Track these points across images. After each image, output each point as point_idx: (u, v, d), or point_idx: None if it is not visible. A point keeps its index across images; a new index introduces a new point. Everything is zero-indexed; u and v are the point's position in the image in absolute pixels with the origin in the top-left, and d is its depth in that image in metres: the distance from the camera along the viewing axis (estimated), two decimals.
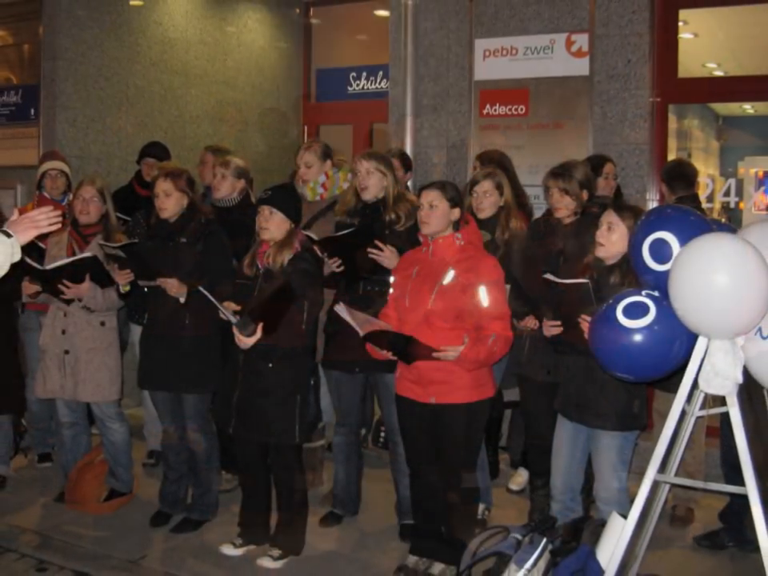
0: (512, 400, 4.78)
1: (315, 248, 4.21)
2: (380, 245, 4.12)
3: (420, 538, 4.09)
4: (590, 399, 3.61)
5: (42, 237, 3.52)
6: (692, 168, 4.98)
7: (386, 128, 6.63)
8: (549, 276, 3.61)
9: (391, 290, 4.03)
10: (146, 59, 7.14)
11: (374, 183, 4.30)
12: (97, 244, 4.55)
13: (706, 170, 8.69)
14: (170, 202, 4.39)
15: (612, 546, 3.14)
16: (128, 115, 7.00)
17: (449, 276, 3.76)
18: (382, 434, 5.61)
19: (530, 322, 4.02)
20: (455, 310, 3.73)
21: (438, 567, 3.97)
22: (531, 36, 6.02)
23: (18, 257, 3.08)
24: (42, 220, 3.12)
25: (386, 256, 4.13)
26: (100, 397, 4.67)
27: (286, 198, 4.13)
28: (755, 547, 3.01)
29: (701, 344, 3.01)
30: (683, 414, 3.18)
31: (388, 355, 3.81)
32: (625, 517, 3.15)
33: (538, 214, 4.87)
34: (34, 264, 4.39)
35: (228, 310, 3.83)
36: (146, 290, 4.45)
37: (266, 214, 4.04)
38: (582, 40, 5.87)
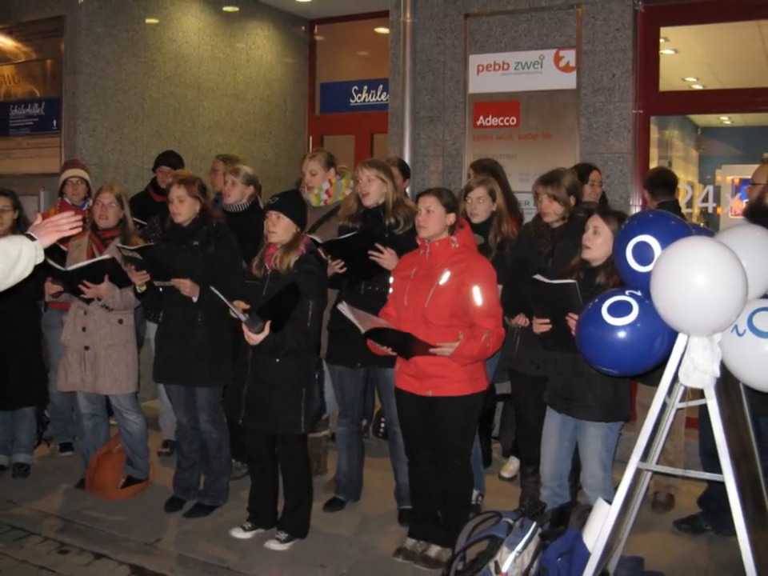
0: (504, 393, 4.78)
1: (319, 251, 4.21)
2: (380, 247, 4.12)
3: (418, 522, 4.08)
4: (576, 392, 3.61)
5: (64, 240, 3.50)
6: (672, 175, 4.97)
7: (386, 138, 6.63)
8: (538, 277, 3.60)
9: (391, 290, 4.03)
10: (161, 74, 7.13)
11: (374, 190, 4.29)
12: (115, 247, 4.55)
13: (686, 178, 8.69)
14: (183, 208, 4.39)
15: (598, 530, 3.14)
16: (144, 126, 6.98)
17: (445, 277, 3.76)
18: (382, 425, 5.62)
19: (521, 320, 4.02)
20: (451, 309, 3.73)
21: (434, 549, 3.97)
22: (522, 52, 6.01)
23: (41, 259, 3.08)
24: (64, 224, 3.12)
25: (386, 258, 4.13)
26: (118, 390, 4.66)
27: (292, 203, 4.12)
28: (731, 531, 3.01)
29: (681, 340, 3.00)
30: (664, 406, 3.18)
31: (388, 351, 3.81)
32: (609, 502, 3.14)
33: (528, 218, 4.87)
34: (56, 265, 4.38)
35: (238, 309, 3.82)
36: (161, 290, 4.44)
37: (273, 218, 4.03)
38: (569, 56, 5.86)
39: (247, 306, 3.91)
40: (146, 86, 7.00)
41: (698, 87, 7.78)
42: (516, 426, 4.79)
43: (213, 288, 3.88)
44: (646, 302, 3.03)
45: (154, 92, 7.06)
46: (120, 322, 4.68)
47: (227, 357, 4.44)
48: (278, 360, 3.98)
